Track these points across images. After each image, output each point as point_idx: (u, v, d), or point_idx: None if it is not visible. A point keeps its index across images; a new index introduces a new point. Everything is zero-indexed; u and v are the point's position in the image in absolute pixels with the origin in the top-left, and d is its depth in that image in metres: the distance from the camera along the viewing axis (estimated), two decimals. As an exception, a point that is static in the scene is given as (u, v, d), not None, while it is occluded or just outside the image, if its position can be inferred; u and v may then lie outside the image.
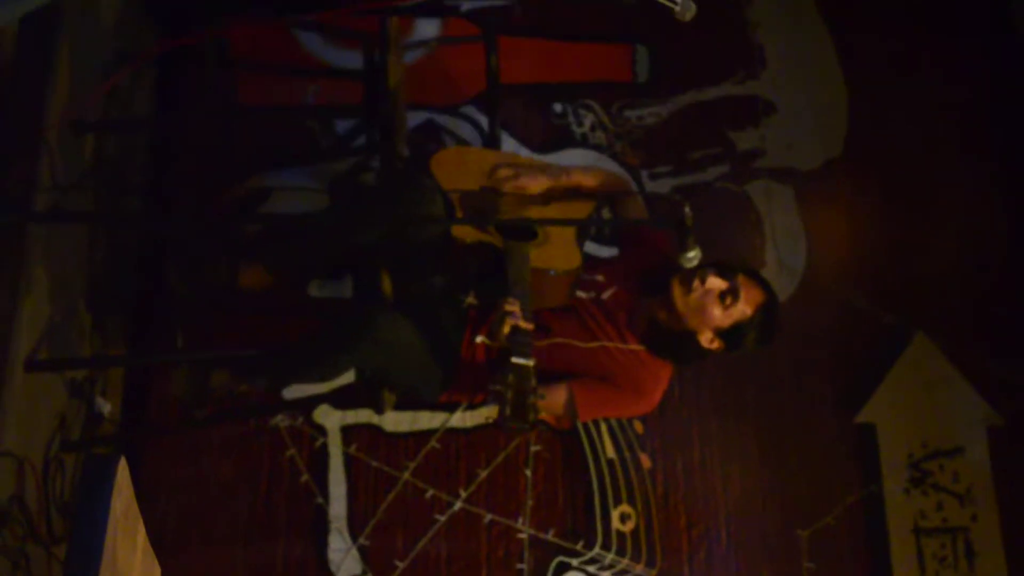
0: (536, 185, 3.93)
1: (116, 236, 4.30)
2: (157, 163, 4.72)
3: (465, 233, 3.75)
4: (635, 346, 3.80)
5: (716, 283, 3.68)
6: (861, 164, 5.17)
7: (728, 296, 3.68)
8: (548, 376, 3.65)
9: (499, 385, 3.10)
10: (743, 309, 3.70)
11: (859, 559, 4.69)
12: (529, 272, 3.62)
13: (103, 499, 2.77)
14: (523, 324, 3.39)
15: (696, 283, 3.68)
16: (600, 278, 3.94)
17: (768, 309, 3.75)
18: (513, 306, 3.42)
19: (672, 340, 3.79)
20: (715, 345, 3.76)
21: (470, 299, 3.88)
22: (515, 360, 3.16)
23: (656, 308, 3.77)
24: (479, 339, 3.62)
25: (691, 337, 3.75)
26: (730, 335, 3.73)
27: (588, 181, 4.01)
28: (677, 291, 3.72)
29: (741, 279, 3.73)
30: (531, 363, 3.17)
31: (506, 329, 3.41)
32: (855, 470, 4.78)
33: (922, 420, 4.84)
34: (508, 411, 3.06)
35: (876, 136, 5.20)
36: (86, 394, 4.01)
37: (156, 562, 3.83)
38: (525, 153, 4.96)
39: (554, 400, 3.68)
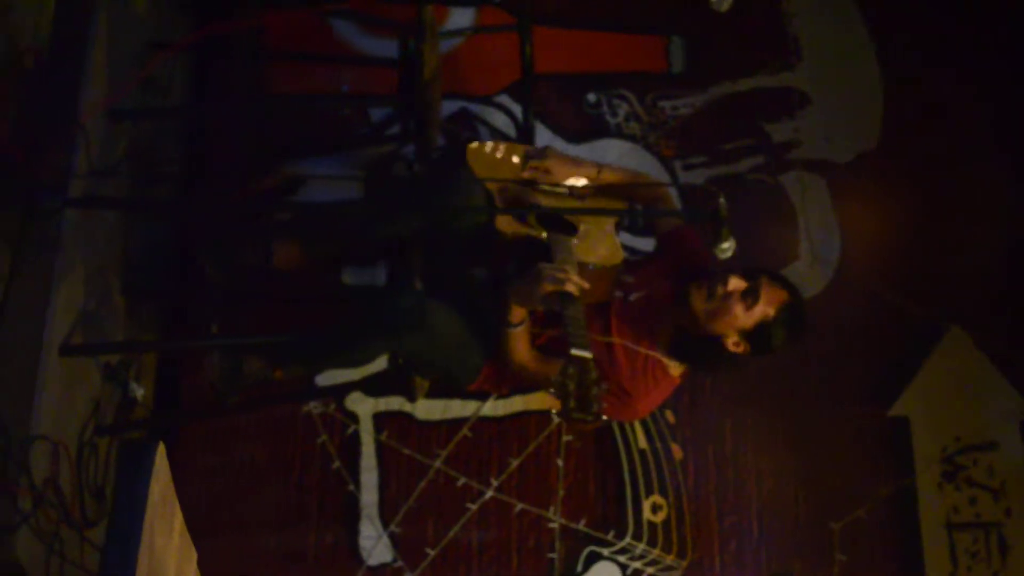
0: (566, 172, 3.93)
1: (151, 222, 4.32)
2: (192, 151, 4.74)
3: (506, 225, 3.75)
4: (648, 352, 3.78)
5: (738, 283, 3.67)
6: (896, 156, 5.14)
7: (749, 296, 3.66)
8: (550, 352, 3.70)
9: (560, 378, 3.04)
10: (765, 309, 3.67)
11: (891, 553, 4.68)
12: (575, 266, 3.61)
13: (141, 485, 2.80)
14: (570, 288, 3.41)
15: (719, 287, 3.67)
16: (630, 279, 3.92)
17: (792, 308, 3.72)
18: (559, 271, 3.44)
19: (698, 347, 3.76)
20: (741, 348, 3.72)
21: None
22: (574, 352, 3.11)
23: (680, 316, 3.76)
24: (513, 312, 3.62)
25: (717, 342, 3.72)
26: (755, 336, 3.70)
27: (617, 176, 4.01)
28: (696, 296, 3.70)
29: (764, 280, 3.70)
30: (589, 355, 3.12)
31: (548, 287, 3.44)
32: (888, 463, 4.78)
33: (956, 414, 4.84)
34: (572, 403, 3.01)
35: (911, 128, 5.17)
36: (120, 379, 4.02)
37: (192, 546, 3.87)
38: (559, 143, 4.96)
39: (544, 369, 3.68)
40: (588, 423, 3.04)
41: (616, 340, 3.77)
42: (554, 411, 3.12)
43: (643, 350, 3.76)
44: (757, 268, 3.76)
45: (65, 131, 3.62)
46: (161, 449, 3.57)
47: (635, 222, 4.72)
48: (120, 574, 2.89)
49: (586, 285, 3.49)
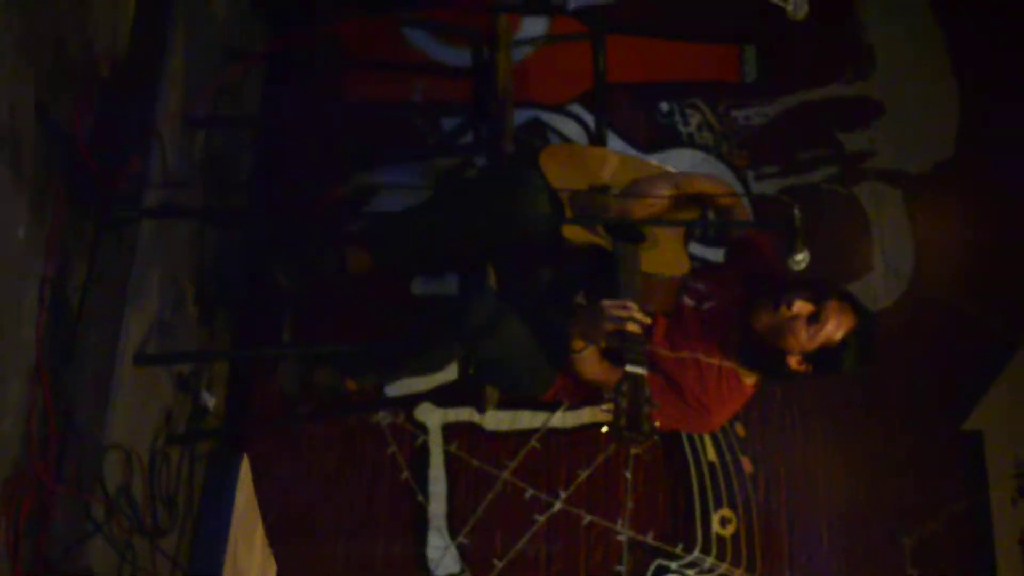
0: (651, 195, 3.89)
1: (224, 231, 4.33)
2: (265, 159, 4.75)
3: (575, 234, 3.72)
4: (722, 362, 3.74)
5: (803, 307, 3.61)
6: (971, 167, 5.08)
7: (815, 321, 3.60)
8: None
9: (612, 394, 3.03)
10: (831, 334, 3.60)
11: (963, 568, 4.64)
12: (640, 277, 3.59)
13: (227, 496, 2.80)
14: (631, 328, 3.36)
15: (783, 308, 3.62)
16: (702, 287, 3.88)
17: (860, 334, 3.64)
18: (622, 309, 3.39)
19: (764, 357, 3.71)
20: (803, 368, 3.67)
21: (579, 299, 3.85)
22: (629, 369, 3.10)
23: (747, 327, 3.71)
24: (576, 342, 3.58)
25: (781, 356, 3.67)
26: (819, 359, 3.65)
27: (701, 186, 3.96)
28: (761, 311, 3.65)
29: (832, 304, 3.62)
30: (644, 372, 3.11)
31: (608, 327, 3.39)
32: (961, 478, 4.72)
33: (1030, 429, 4.77)
34: (623, 421, 3.00)
35: (987, 138, 5.11)
36: (192, 388, 4.04)
37: (272, 558, 3.88)
38: (631, 153, 4.94)
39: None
40: (638, 441, 3.04)
41: (687, 355, 3.73)
42: (604, 428, 3.10)
43: (716, 361, 3.72)
44: (828, 287, 3.70)
45: (142, 140, 3.64)
46: (246, 461, 3.58)
47: (706, 232, 4.68)
48: (207, 585, 2.90)
49: (647, 321, 3.44)
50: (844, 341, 3.61)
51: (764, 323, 3.64)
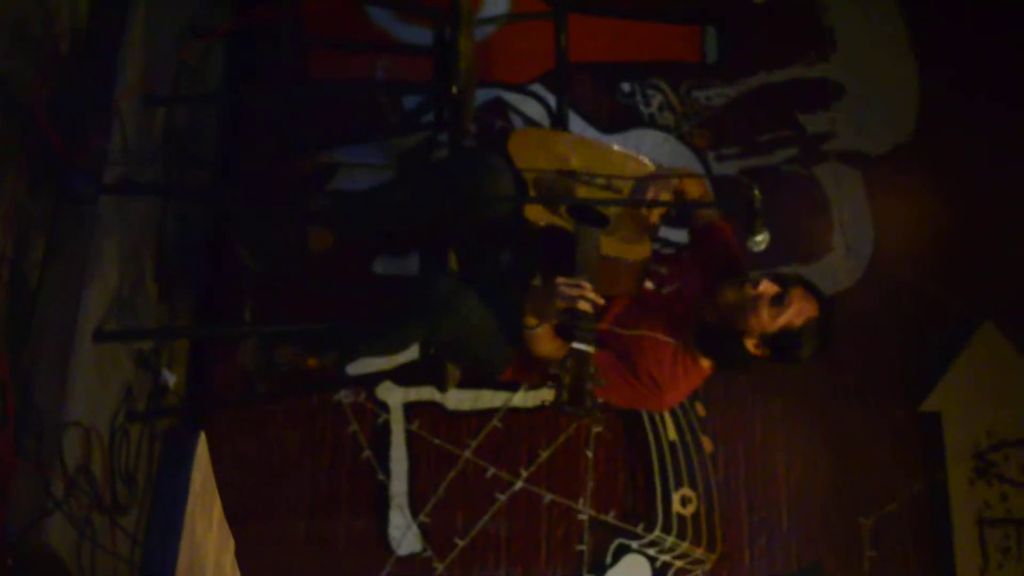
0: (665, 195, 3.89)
1: (185, 209, 4.31)
2: (226, 137, 4.73)
3: (537, 215, 3.73)
4: (678, 343, 3.75)
5: (769, 287, 3.62)
6: (931, 149, 5.13)
7: (778, 302, 3.62)
8: None
9: (557, 369, 3.10)
10: (791, 319, 3.62)
11: (921, 548, 4.68)
12: (597, 258, 3.59)
13: (184, 474, 2.79)
14: (583, 306, 3.37)
15: (749, 287, 3.63)
16: (664, 270, 3.91)
17: (819, 324, 3.65)
18: (574, 288, 3.41)
19: (720, 341, 3.72)
20: (761, 352, 3.68)
21: (536, 281, 3.86)
22: (576, 345, 3.16)
23: (707, 307, 3.73)
24: (528, 319, 3.59)
25: (738, 339, 3.67)
26: (776, 343, 3.66)
27: (698, 189, 3.97)
28: (726, 290, 3.66)
29: (797, 290, 3.64)
30: (591, 349, 3.16)
31: (560, 305, 3.41)
32: (919, 459, 4.77)
33: (988, 410, 4.83)
34: (565, 396, 3.07)
35: (947, 120, 5.14)
36: (152, 365, 4.03)
37: (231, 535, 3.87)
38: (592, 133, 4.94)
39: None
40: (579, 416, 3.10)
41: (645, 332, 3.74)
42: (545, 401, 3.14)
43: (673, 340, 3.74)
44: (794, 276, 3.73)
45: (101, 116, 3.61)
46: (203, 438, 3.57)
47: (669, 213, 4.69)
48: (162, 562, 2.89)
49: (600, 302, 3.46)
50: (803, 330, 3.62)
51: (728, 299, 3.66)
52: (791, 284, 3.64)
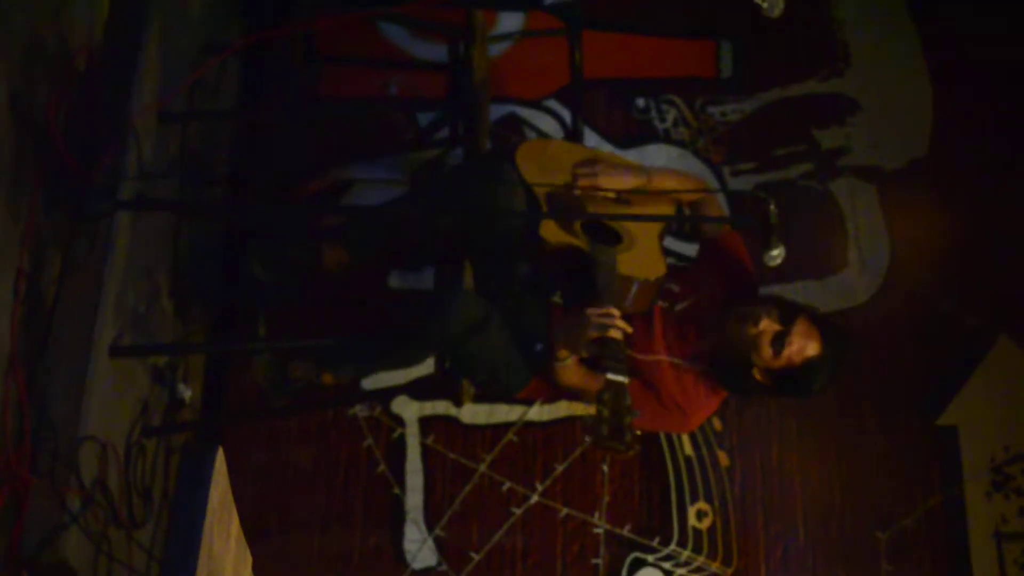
0: (616, 183, 3.86)
1: (200, 224, 4.33)
2: (241, 154, 4.76)
3: (551, 234, 3.68)
4: (695, 364, 3.74)
5: (769, 326, 3.61)
6: (946, 163, 5.12)
7: (777, 342, 3.60)
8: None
9: (596, 403, 2.99)
10: (791, 358, 3.61)
11: (938, 563, 4.65)
12: (618, 281, 3.59)
13: (202, 489, 2.79)
14: (614, 334, 3.36)
15: (750, 325, 3.62)
16: (676, 288, 3.88)
17: (825, 359, 3.64)
18: (606, 317, 3.40)
19: (730, 367, 3.72)
20: (768, 381, 3.69)
21: (556, 298, 3.86)
22: (611, 377, 3.07)
23: (715, 337, 3.72)
24: (560, 351, 3.58)
25: (747, 368, 3.67)
26: (780, 379, 3.67)
27: (672, 182, 3.94)
28: (730, 322, 3.67)
29: (800, 326, 3.62)
30: (626, 380, 3.07)
31: (593, 334, 3.40)
32: (936, 473, 4.74)
33: (1005, 423, 4.80)
34: (605, 430, 2.95)
35: (962, 135, 5.14)
36: (168, 380, 4.04)
37: (248, 551, 3.87)
38: (607, 148, 4.94)
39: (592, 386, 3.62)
40: (620, 452, 2.96)
41: (663, 358, 3.73)
42: (588, 438, 3.08)
43: (691, 363, 3.73)
44: (798, 309, 3.71)
45: (116, 133, 3.63)
46: (220, 454, 3.57)
47: (682, 227, 4.69)
48: (180, 578, 2.89)
49: (629, 329, 3.44)
50: (805, 367, 3.62)
51: (731, 333, 3.66)
52: (794, 319, 3.62)
